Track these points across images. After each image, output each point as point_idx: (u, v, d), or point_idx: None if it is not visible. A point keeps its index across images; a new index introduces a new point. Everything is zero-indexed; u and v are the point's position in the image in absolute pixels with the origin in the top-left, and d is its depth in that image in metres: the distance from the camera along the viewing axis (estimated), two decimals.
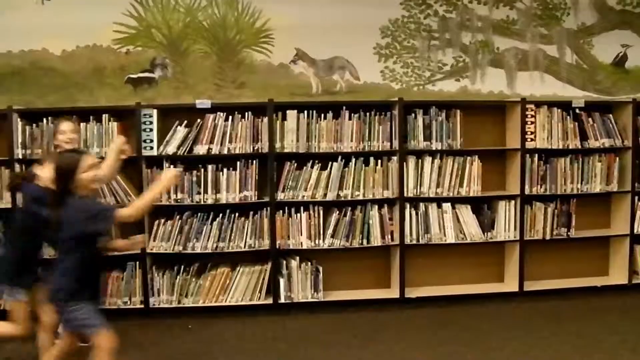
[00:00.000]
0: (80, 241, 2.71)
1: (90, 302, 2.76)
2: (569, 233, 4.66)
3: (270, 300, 4.37)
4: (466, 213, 4.56)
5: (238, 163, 4.32)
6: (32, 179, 3.17)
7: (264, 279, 4.36)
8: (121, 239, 3.29)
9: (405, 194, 4.44)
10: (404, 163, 4.44)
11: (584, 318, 4.16)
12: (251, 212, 4.34)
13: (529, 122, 4.56)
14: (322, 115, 4.39)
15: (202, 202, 4.29)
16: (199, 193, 4.29)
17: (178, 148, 4.28)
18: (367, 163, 4.44)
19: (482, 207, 4.61)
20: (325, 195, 4.39)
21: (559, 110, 4.63)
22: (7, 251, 3.32)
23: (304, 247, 4.40)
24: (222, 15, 4.69)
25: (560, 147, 4.62)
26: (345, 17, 4.72)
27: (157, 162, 4.28)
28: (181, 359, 3.58)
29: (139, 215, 2.79)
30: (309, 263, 4.42)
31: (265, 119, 4.32)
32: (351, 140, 4.42)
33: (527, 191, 4.57)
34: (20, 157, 4.16)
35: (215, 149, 4.31)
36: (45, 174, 3.08)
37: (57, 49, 4.53)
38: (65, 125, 3.61)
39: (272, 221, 4.33)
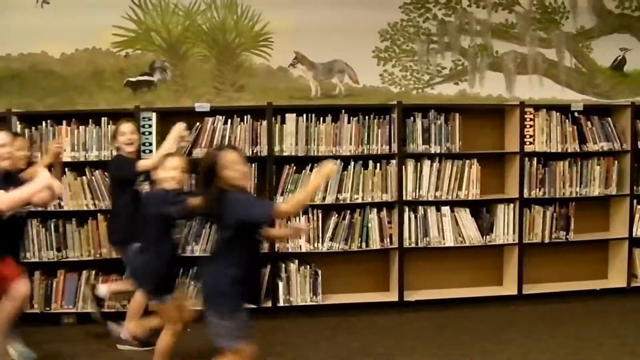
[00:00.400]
0: (238, 236, 2.59)
1: (245, 310, 2.62)
2: (567, 236, 4.66)
3: (269, 304, 4.36)
4: (465, 216, 4.56)
5: None
6: (156, 185, 3.19)
7: (263, 282, 4.35)
8: (277, 228, 3.12)
9: (404, 197, 4.44)
10: (403, 166, 4.44)
11: (582, 321, 4.17)
12: None
13: (527, 126, 4.56)
14: (321, 118, 4.40)
15: None
16: None
17: None
18: (366, 166, 4.44)
19: (481, 210, 4.61)
20: (324, 198, 4.39)
21: (558, 113, 4.63)
22: (148, 257, 3.19)
23: (303, 250, 4.40)
24: (222, 19, 4.70)
25: (559, 150, 4.63)
26: (345, 20, 4.73)
27: None
28: None
29: (296, 210, 2.68)
30: (308, 266, 4.42)
31: (264, 123, 4.32)
32: (350, 144, 4.42)
33: (526, 194, 4.57)
34: None
35: None
36: (160, 175, 3.14)
37: (57, 52, 4.54)
38: (126, 127, 3.65)
39: (270, 224, 4.32)
